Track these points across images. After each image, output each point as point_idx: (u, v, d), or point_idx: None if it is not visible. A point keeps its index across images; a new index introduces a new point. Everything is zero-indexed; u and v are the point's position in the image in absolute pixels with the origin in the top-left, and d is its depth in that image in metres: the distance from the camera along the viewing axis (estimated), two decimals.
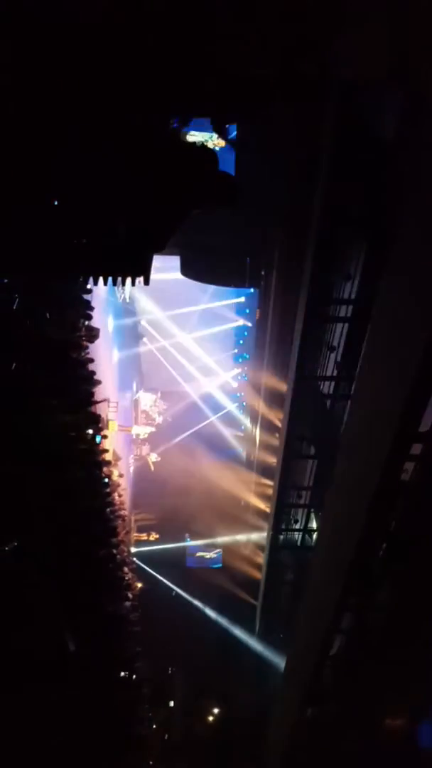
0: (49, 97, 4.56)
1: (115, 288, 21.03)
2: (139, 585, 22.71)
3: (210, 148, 5.36)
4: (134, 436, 27.20)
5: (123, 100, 4.77)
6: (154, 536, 27.33)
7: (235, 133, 12.68)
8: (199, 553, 28.96)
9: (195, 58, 5.18)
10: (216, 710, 26.59)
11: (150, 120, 4.92)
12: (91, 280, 5.90)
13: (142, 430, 27.23)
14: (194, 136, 10.89)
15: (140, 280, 5.69)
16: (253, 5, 5.55)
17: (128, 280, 5.70)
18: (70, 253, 5.40)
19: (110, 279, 5.68)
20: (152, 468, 28.18)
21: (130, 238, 5.26)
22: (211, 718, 26.67)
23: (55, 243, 5.28)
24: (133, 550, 25.51)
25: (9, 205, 4.86)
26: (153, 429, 27.87)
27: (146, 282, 5.62)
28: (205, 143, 9.81)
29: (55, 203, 4.94)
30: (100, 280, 5.71)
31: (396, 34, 6.84)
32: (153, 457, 28.16)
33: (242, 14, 5.40)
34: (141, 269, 5.55)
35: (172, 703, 26.92)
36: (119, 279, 5.70)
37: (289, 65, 6.38)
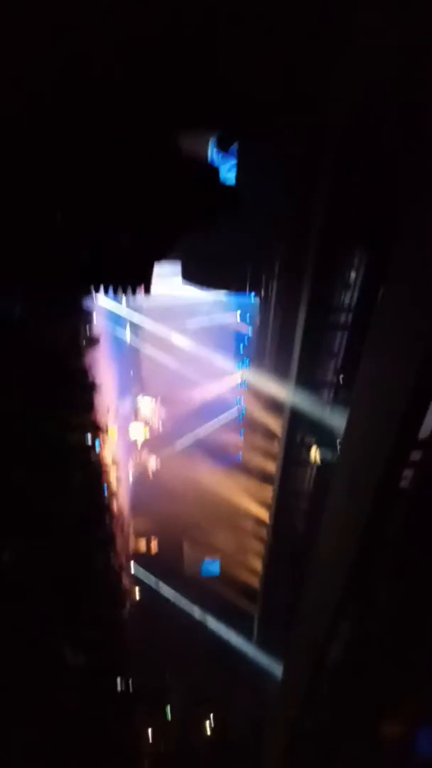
0: (56, 114, 4.63)
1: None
2: (137, 592, 22.66)
3: (210, 163, 5.45)
4: (133, 444, 27.24)
5: (127, 115, 4.84)
6: (152, 543, 27.27)
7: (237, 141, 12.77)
8: (198, 560, 28.88)
9: (199, 75, 5.26)
10: (212, 719, 26.44)
11: (152, 134, 5.00)
12: (93, 288, 5.99)
13: (139, 435, 27.24)
14: None
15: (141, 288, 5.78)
16: (258, 24, 5.64)
17: (129, 290, 5.78)
18: (73, 263, 5.48)
19: (111, 288, 5.77)
20: (151, 473, 28.18)
21: (131, 248, 5.34)
22: (207, 728, 26.51)
23: (59, 254, 5.35)
24: (131, 556, 25.46)
25: (14, 217, 4.93)
26: (148, 437, 27.89)
27: (147, 291, 5.71)
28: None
29: (59, 215, 5.01)
30: (102, 288, 5.80)
31: (399, 52, 6.96)
32: (153, 463, 28.18)
33: (247, 33, 5.48)
34: (142, 279, 5.64)
35: (168, 712, 26.77)
36: (121, 289, 5.79)
37: (293, 81, 6.47)
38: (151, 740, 24.13)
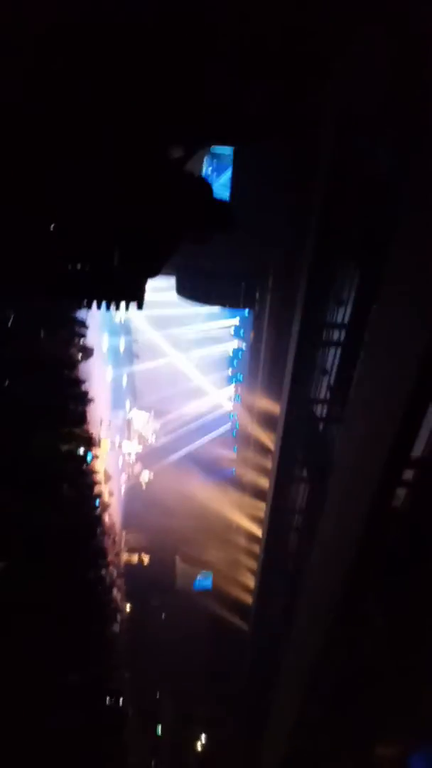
0: (50, 126, 4.62)
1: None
2: (127, 608, 22.43)
3: (204, 179, 5.44)
4: (126, 456, 27.11)
5: (121, 129, 4.84)
6: (144, 558, 27.05)
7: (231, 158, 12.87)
8: (190, 575, 28.66)
9: (192, 89, 5.27)
10: (204, 738, 26.09)
11: (146, 149, 4.99)
12: (85, 303, 5.96)
13: (132, 447, 27.14)
14: None
15: (134, 304, 5.76)
16: (253, 35, 5.66)
17: (122, 305, 5.76)
18: (65, 277, 5.46)
19: (104, 304, 5.74)
20: (144, 486, 28.01)
21: (124, 264, 5.32)
22: (198, 746, 26.15)
23: (51, 268, 5.33)
24: (123, 570, 25.24)
25: (8, 229, 4.91)
26: (141, 450, 27.79)
27: (140, 307, 5.68)
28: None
29: (52, 228, 4.99)
30: (94, 304, 5.77)
31: (394, 65, 7.01)
32: (146, 476, 28.04)
33: (242, 44, 5.50)
34: (135, 295, 5.62)
35: (159, 729, 26.42)
36: (113, 304, 5.76)
37: (287, 96, 6.50)
38: (141, 757, 23.78)
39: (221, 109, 5.41)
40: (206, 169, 14.90)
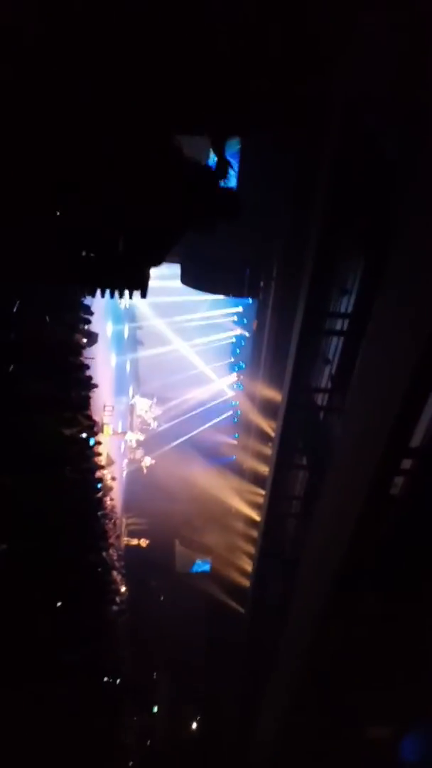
0: (53, 111, 4.68)
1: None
2: (126, 589, 22.70)
3: (209, 166, 5.48)
4: (128, 442, 27.28)
5: (124, 115, 4.89)
6: (144, 542, 27.33)
7: (239, 146, 12.87)
8: (188, 558, 28.96)
9: (196, 74, 5.32)
10: (200, 717, 26.52)
11: (151, 135, 5.05)
12: (89, 291, 6.01)
13: (135, 437, 27.31)
14: None
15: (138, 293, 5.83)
16: (257, 25, 5.71)
17: (126, 293, 5.82)
18: (69, 264, 5.52)
19: (108, 291, 5.80)
20: (145, 471, 28.22)
21: (128, 252, 5.37)
22: (194, 725, 26.60)
23: (55, 254, 5.39)
24: (123, 553, 25.51)
25: (11, 215, 4.97)
26: (143, 436, 27.93)
27: (143, 295, 5.74)
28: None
29: (57, 214, 5.05)
30: (98, 292, 5.83)
31: (399, 55, 7.04)
32: (147, 461, 28.24)
33: (245, 34, 5.55)
34: (138, 283, 5.68)
35: (156, 709, 26.84)
36: (116, 292, 5.82)
37: (292, 82, 6.53)
38: (138, 736, 24.19)
39: (224, 99, 5.46)
40: (212, 158, 14.87)
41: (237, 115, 5.97)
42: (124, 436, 25.72)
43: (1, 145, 4.78)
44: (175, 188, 5.31)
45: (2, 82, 4.64)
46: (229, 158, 5.75)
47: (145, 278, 5.69)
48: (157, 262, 5.65)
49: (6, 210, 5.07)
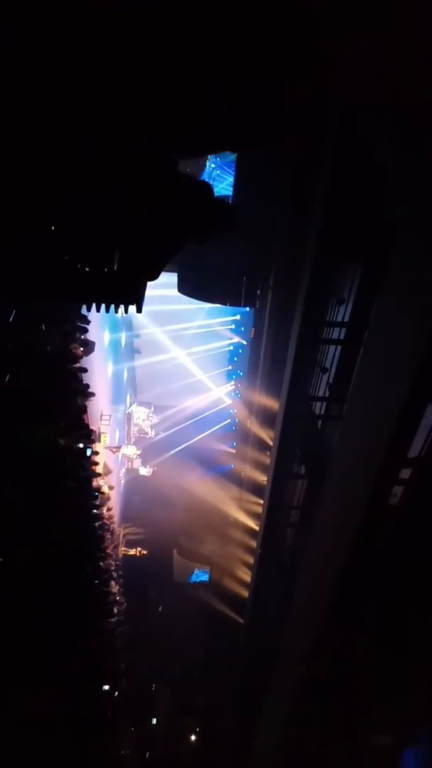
0: (50, 126, 4.68)
1: None
2: (124, 600, 22.57)
3: (205, 182, 5.48)
4: (121, 456, 27.14)
5: (120, 129, 4.89)
6: (141, 552, 27.20)
7: (234, 156, 12.93)
8: (187, 568, 28.82)
9: (191, 88, 5.32)
10: (199, 728, 26.31)
11: (146, 150, 5.04)
12: (84, 304, 6.00)
13: (131, 451, 27.18)
14: None
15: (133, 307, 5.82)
16: (253, 30, 5.71)
17: (121, 308, 5.81)
18: (64, 279, 5.50)
19: (103, 306, 5.79)
20: (142, 484, 28.10)
21: (123, 266, 5.36)
22: (193, 737, 26.38)
23: (50, 269, 5.38)
24: (120, 563, 25.38)
25: (8, 230, 4.96)
26: (140, 452, 27.81)
27: (138, 310, 5.73)
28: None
29: (53, 228, 5.04)
30: (93, 306, 5.82)
31: (396, 59, 7.06)
32: (145, 471, 28.11)
33: (241, 40, 5.55)
34: (133, 297, 5.67)
35: (154, 721, 26.62)
36: (112, 306, 5.81)
37: (289, 90, 6.54)
38: (136, 747, 23.98)
39: (220, 114, 5.46)
40: (210, 169, 14.97)
41: (229, 130, 5.96)
42: (119, 450, 25.58)
43: None
44: (169, 203, 5.30)
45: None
46: (224, 167, 5.76)
47: (141, 292, 5.68)
48: (152, 277, 5.65)
49: (1, 223, 5.06)
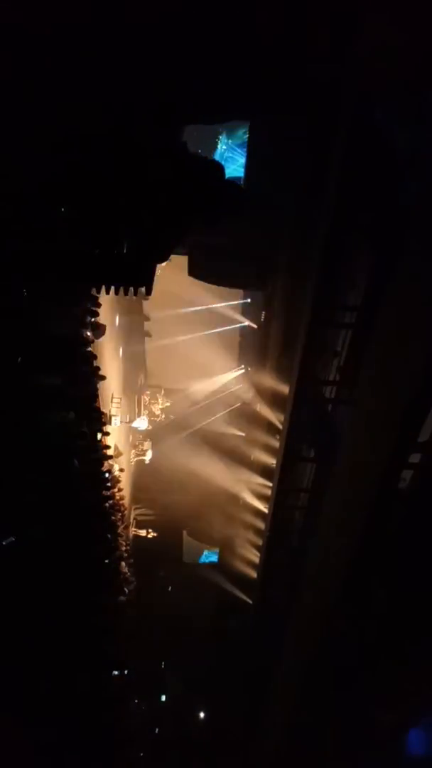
0: (59, 110, 4.65)
1: None
2: (134, 580, 22.85)
3: (215, 160, 5.44)
4: (131, 438, 27.21)
5: (131, 111, 4.86)
6: (151, 533, 27.44)
7: (246, 137, 12.77)
8: (196, 549, 29.07)
9: (203, 62, 5.25)
10: (207, 706, 26.74)
11: (157, 132, 5.01)
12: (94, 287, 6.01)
13: (142, 424, 27.18)
14: None
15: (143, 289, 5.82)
16: (266, 10, 5.62)
17: (131, 290, 5.81)
18: (75, 261, 5.51)
19: (113, 288, 5.79)
20: (153, 463, 28.23)
21: (133, 248, 5.36)
22: (201, 714, 26.83)
23: (61, 251, 5.38)
24: (130, 544, 25.64)
25: (18, 213, 4.96)
26: (149, 427, 27.84)
27: (148, 292, 5.74)
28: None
29: (62, 210, 5.03)
30: (103, 288, 5.83)
31: (410, 42, 6.93)
32: (149, 455, 28.16)
33: (254, 18, 5.47)
34: (144, 279, 5.67)
35: (163, 698, 27.09)
36: (122, 288, 5.81)
37: (302, 70, 6.45)
38: (145, 724, 24.45)
39: (235, 79, 5.40)
40: (221, 150, 14.80)
41: (242, 98, 5.90)
42: (131, 427, 25.63)
43: (10, 143, 4.76)
44: (180, 185, 5.27)
45: (7, 83, 4.61)
46: (236, 148, 5.73)
47: (151, 274, 5.68)
48: (162, 259, 5.64)
49: (13, 207, 5.06)
